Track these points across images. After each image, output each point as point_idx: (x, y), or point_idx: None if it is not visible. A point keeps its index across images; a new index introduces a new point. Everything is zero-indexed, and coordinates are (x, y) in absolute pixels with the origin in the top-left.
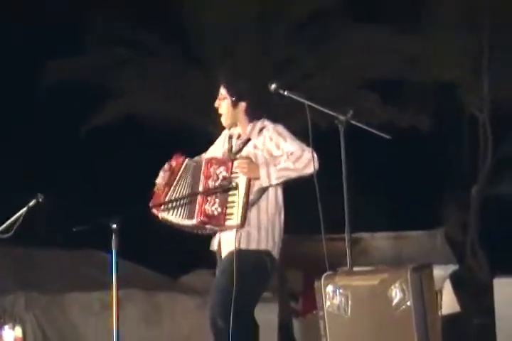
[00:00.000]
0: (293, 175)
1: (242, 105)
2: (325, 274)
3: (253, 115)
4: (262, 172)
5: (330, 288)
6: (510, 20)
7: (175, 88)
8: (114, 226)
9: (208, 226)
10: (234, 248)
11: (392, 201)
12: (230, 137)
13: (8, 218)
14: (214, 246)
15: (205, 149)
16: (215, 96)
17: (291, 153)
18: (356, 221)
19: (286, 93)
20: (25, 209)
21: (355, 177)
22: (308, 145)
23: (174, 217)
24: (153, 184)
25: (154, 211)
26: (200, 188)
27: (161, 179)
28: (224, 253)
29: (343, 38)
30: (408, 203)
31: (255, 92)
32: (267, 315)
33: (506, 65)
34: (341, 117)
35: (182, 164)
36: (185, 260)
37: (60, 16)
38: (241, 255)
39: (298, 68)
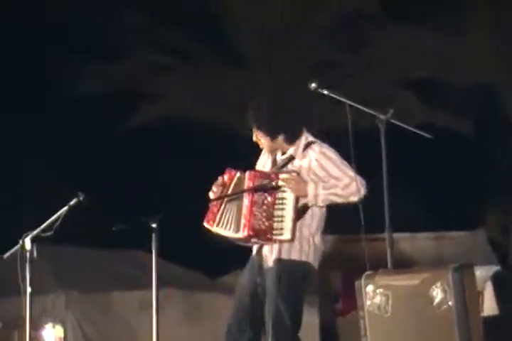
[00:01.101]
0: (339, 200)
1: (280, 137)
2: (365, 274)
3: (293, 139)
4: (310, 191)
5: (370, 288)
6: None
7: (213, 91)
8: (154, 225)
9: (254, 240)
10: (278, 259)
11: (433, 201)
12: (274, 152)
13: (50, 217)
14: (254, 252)
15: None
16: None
17: (340, 179)
18: (397, 221)
19: (326, 92)
20: (66, 208)
21: (396, 177)
22: (348, 143)
23: (223, 230)
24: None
25: (208, 226)
26: (246, 202)
27: (213, 194)
28: (266, 263)
29: (383, 38)
30: (450, 203)
31: (293, 120)
32: (308, 317)
33: None
34: (382, 116)
35: (234, 178)
36: (225, 260)
37: (98, 22)
38: (287, 265)
39: (337, 69)
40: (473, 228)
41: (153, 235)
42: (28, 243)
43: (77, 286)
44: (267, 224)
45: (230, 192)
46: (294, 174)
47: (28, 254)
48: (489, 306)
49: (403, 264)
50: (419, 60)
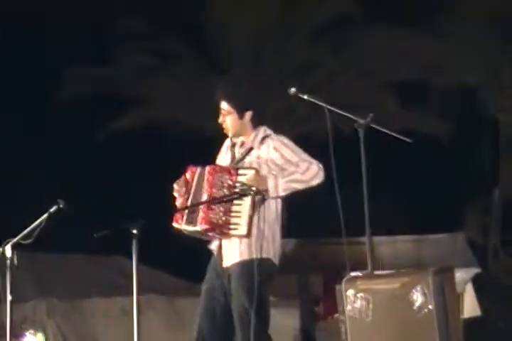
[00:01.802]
0: (300, 186)
1: (248, 114)
2: (346, 278)
3: (258, 122)
4: (270, 183)
5: (351, 292)
6: None
7: (197, 94)
8: (135, 231)
9: (210, 234)
10: (236, 260)
11: (412, 204)
12: (233, 145)
13: (29, 224)
14: (212, 246)
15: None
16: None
17: (298, 165)
18: (377, 224)
19: (306, 97)
20: (46, 215)
21: (376, 180)
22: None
23: (187, 226)
24: (171, 196)
25: (176, 225)
26: (205, 197)
27: (176, 193)
28: (226, 263)
29: (363, 41)
30: (429, 206)
31: (259, 99)
32: (287, 320)
33: None
34: (361, 121)
35: (195, 175)
36: (206, 265)
37: (84, 26)
38: (248, 265)
39: (320, 71)
40: (453, 230)
41: (134, 241)
42: (8, 250)
43: (58, 293)
44: (224, 218)
45: (193, 189)
46: (252, 170)
47: (8, 262)
48: (470, 308)
49: (383, 267)
50: (400, 63)
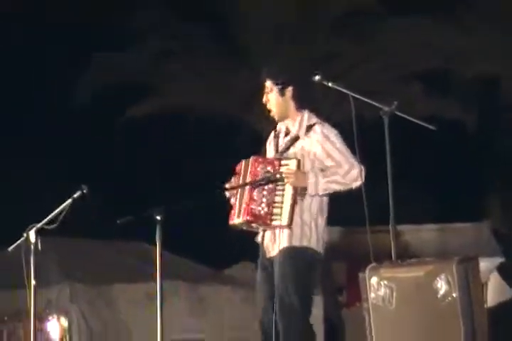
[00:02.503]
0: (339, 188)
1: (289, 90)
2: (369, 266)
3: (301, 101)
4: (311, 181)
5: (374, 280)
6: None
7: (218, 81)
8: (158, 217)
9: (254, 225)
10: (279, 247)
11: (438, 193)
12: (277, 135)
13: (54, 209)
14: (258, 239)
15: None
16: (260, 91)
17: (340, 165)
18: (402, 213)
19: (330, 84)
20: (70, 200)
21: (400, 169)
22: (352, 136)
23: (236, 218)
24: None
25: (232, 222)
26: (247, 188)
27: (229, 185)
28: (270, 254)
29: (387, 31)
30: (454, 195)
31: (300, 76)
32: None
33: None
34: (386, 108)
35: (242, 166)
36: (229, 252)
37: (100, 12)
38: (289, 253)
39: (342, 60)
40: (478, 220)
41: (158, 227)
42: (32, 235)
43: (82, 278)
44: (266, 209)
45: (240, 181)
46: (293, 160)
47: (32, 247)
48: (496, 296)
49: (408, 256)
50: (423, 52)
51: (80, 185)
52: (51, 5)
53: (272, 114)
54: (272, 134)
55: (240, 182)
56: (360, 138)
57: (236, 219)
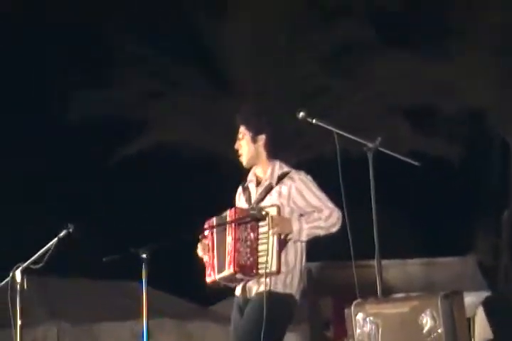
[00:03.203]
0: (321, 233)
1: (262, 138)
2: (355, 302)
3: (272, 150)
4: (295, 227)
5: (360, 316)
6: None
7: (205, 118)
8: (144, 255)
9: (238, 277)
10: (261, 289)
11: (422, 228)
12: (246, 187)
13: (40, 249)
14: (238, 292)
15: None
16: (235, 135)
17: (321, 210)
18: (388, 248)
19: (314, 121)
20: (55, 239)
21: (386, 204)
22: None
23: (217, 274)
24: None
25: (210, 280)
26: (229, 240)
27: (201, 251)
28: (250, 294)
29: (375, 66)
30: (439, 230)
31: (274, 126)
32: None
33: None
34: (370, 144)
35: (213, 226)
36: (215, 289)
37: (90, 50)
38: (270, 297)
39: (329, 96)
40: (464, 253)
41: (144, 265)
42: (18, 275)
43: (69, 317)
44: (251, 259)
45: (215, 242)
46: (274, 207)
47: (18, 286)
48: (481, 332)
49: (394, 291)
50: (409, 86)
51: (66, 223)
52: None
53: (241, 159)
54: (241, 187)
55: (215, 240)
56: (347, 173)
57: (218, 274)
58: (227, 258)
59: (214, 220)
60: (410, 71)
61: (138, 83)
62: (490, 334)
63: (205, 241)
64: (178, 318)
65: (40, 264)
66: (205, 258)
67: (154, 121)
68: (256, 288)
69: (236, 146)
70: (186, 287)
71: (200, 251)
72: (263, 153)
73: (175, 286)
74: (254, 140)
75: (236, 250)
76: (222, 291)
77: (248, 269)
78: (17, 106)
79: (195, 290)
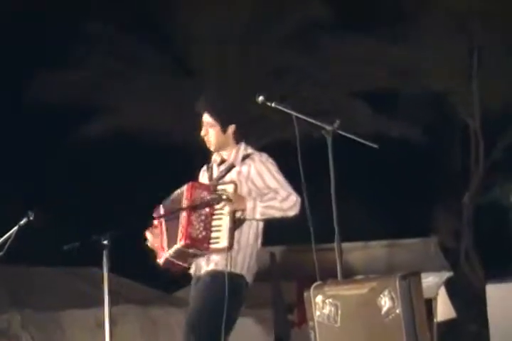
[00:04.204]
0: (276, 214)
1: (232, 127)
2: (314, 284)
3: (239, 136)
4: (249, 205)
5: (319, 298)
6: (499, 25)
7: (165, 100)
8: (106, 242)
9: (191, 251)
10: (209, 269)
11: (384, 209)
12: (210, 166)
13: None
14: (192, 270)
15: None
16: (199, 120)
17: (277, 192)
18: (349, 230)
19: (273, 105)
20: (16, 227)
21: (347, 186)
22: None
23: (166, 250)
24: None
25: (160, 260)
26: (184, 213)
27: (149, 244)
28: (199, 272)
29: (336, 48)
30: (401, 211)
31: (241, 113)
32: (262, 329)
33: (495, 71)
34: (328, 127)
35: (162, 218)
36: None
37: (49, 28)
38: (218, 276)
39: (288, 79)
40: (425, 235)
41: (105, 252)
42: None
43: (33, 305)
44: (204, 233)
45: (165, 237)
46: (231, 184)
47: None
48: (444, 311)
49: (356, 273)
50: (372, 69)
51: (26, 210)
52: None
53: (208, 145)
54: (205, 166)
55: (167, 220)
56: (308, 157)
57: (169, 250)
58: (180, 231)
59: (161, 208)
60: (370, 54)
61: (96, 63)
62: (452, 313)
63: (153, 229)
64: (142, 305)
65: (1, 253)
66: (155, 244)
67: (114, 104)
68: (205, 266)
69: (203, 133)
70: (149, 273)
71: (149, 240)
72: (231, 141)
73: (137, 273)
74: (223, 130)
75: (190, 223)
76: (186, 277)
77: (200, 242)
78: None
79: (158, 276)
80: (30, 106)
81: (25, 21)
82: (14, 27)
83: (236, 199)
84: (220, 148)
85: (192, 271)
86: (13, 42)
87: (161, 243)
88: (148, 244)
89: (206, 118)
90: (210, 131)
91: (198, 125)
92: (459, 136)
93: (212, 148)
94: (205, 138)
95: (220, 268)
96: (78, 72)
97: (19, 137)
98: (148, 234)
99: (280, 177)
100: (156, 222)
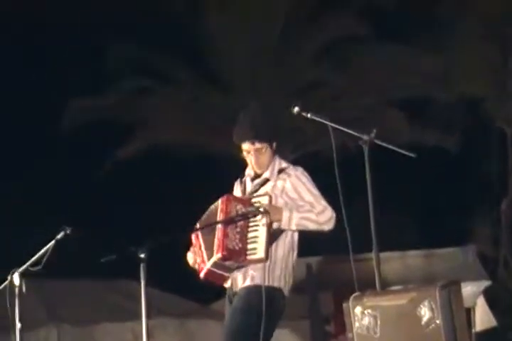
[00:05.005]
0: (312, 227)
1: (274, 146)
2: (353, 295)
3: (275, 151)
4: (285, 214)
5: (358, 309)
6: None
7: (197, 115)
8: (142, 255)
9: (228, 263)
10: (246, 284)
11: (422, 219)
12: (243, 181)
13: (38, 251)
14: (228, 284)
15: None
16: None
17: (313, 206)
18: (387, 240)
19: (309, 115)
20: (53, 242)
21: (385, 196)
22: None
23: (207, 263)
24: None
25: (203, 275)
26: (219, 225)
27: (191, 259)
28: (236, 288)
29: (371, 58)
30: (438, 220)
31: (277, 129)
32: (300, 339)
33: None
34: (365, 137)
35: (199, 237)
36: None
37: (79, 51)
38: (255, 291)
39: (324, 90)
40: (463, 243)
41: (142, 265)
42: (16, 278)
43: (69, 319)
44: (240, 245)
45: (205, 252)
46: (266, 196)
47: (17, 290)
48: (484, 320)
49: (393, 284)
50: (407, 78)
51: (63, 225)
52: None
53: (254, 168)
54: (238, 180)
55: (204, 233)
56: (344, 167)
57: (208, 262)
58: (216, 243)
59: (201, 235)
60: (404, 62)
61: (127, 85)
62: (492, 322)
63: (193, 248)
64: (179, 317)
65: (39, 267)
66: (197, 260)
67: (146, 121)
68: (242, 280)
69: (254, 161)
70: (186, 286)
71: (190, 260)
72: (270, 158)
73: (175, 285)
74: (273, 150)
75: (225, 235)
76: (222, 289)
77: (237, 254)
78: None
79: (196, 288)
80: (66, 129)
81: (57, 48)
82: (47, 54)
83: (272, 209)
84: (260, 167)
85: (228, 284)
86: (43, 70)
87: (201, 258)
88: (190, 264)
89: (249, 146)
90: (259, 156)
91: (233, 143)
92: (495, 142)
93: (259, 171)
94: (250, 162)
95: (256, 282)
96: (111, 92)
97: (55, 158)
98: (188, 255)
99: (315, 191)
100: (193, 236)
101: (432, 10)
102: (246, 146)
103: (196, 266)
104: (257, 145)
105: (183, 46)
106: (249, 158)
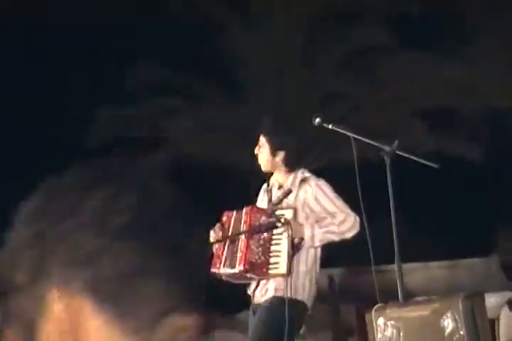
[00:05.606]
0: (335, 238)
1: (281, 154)
2: (375, 307)
3: (291, 164)
4: (307, 233)
5: (381, 321)
6: None
7: (222, 127)
8: None
9: (248, 275)
10: (269, 295)
11: (444, 230)
12: (270, 189)
13: None
14: (250, 291)
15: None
16: (255, 142)
17: (335, 216)
18: (409, 251)
19: (330, 126)
20: None
21: (406, 207)
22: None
23: (225, 269)
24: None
25: (215, 270)
26: (243, 237)
27: (212, 238)
28: (258, 300)
29: (393, 68)
30: (460, 231)
31: (295, 145)
32: None
33: None
34: (387, 148)
35: (231, 219)
36: (241, 297)
37: (105, 68)
38: (278, 303)
39: (347, 100)
40: (486, 254)
41: None
42: None
43: None
44: (263, 258)
45: (230, 233)
46: (290, 210)
47: None
48: (508, 332)
49: (416, 295)
50: (430, 88)
51: None
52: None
53: (260, 163)
54: (264, 187)
55: (230, 232)
56: (366, 178)
57: (224, 269)
58: (238, 255)
59: (234, 214)
60: (427, 72)
61: (151, 98)
62: None
63: (218, 230)
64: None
65: None
66: (215, 246)
67: (172, 137)
68: (264, 293)
69: (256, 151)
70: (211, 296)
71: (212, 238)
72: (281, 166)
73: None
74: (273, 154)
75: (248, 247)
76: (248, 299)
77: (258, 267)
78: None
79: (220, 299)
80: (93, 145)
81: (81, 63)
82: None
83: (294, 228)
84: (268, 168)
85: (250, 294)
86: (74, 80)
87: (221, 251)
88: (210, 241)
89: (262, 137)
90: (262, 150)
91: (255, 156)
92: None
93: (262, 167)
94: (258, 157)
95: (280, 294)
96: (136, 108)
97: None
98: (211, 233)
99: (337, 200)
100: (224, 219)
101: (455, 19)
102: (260, 138)
103: (214, 248)
104: (263, 139)
105: (207, 61)
106: None
